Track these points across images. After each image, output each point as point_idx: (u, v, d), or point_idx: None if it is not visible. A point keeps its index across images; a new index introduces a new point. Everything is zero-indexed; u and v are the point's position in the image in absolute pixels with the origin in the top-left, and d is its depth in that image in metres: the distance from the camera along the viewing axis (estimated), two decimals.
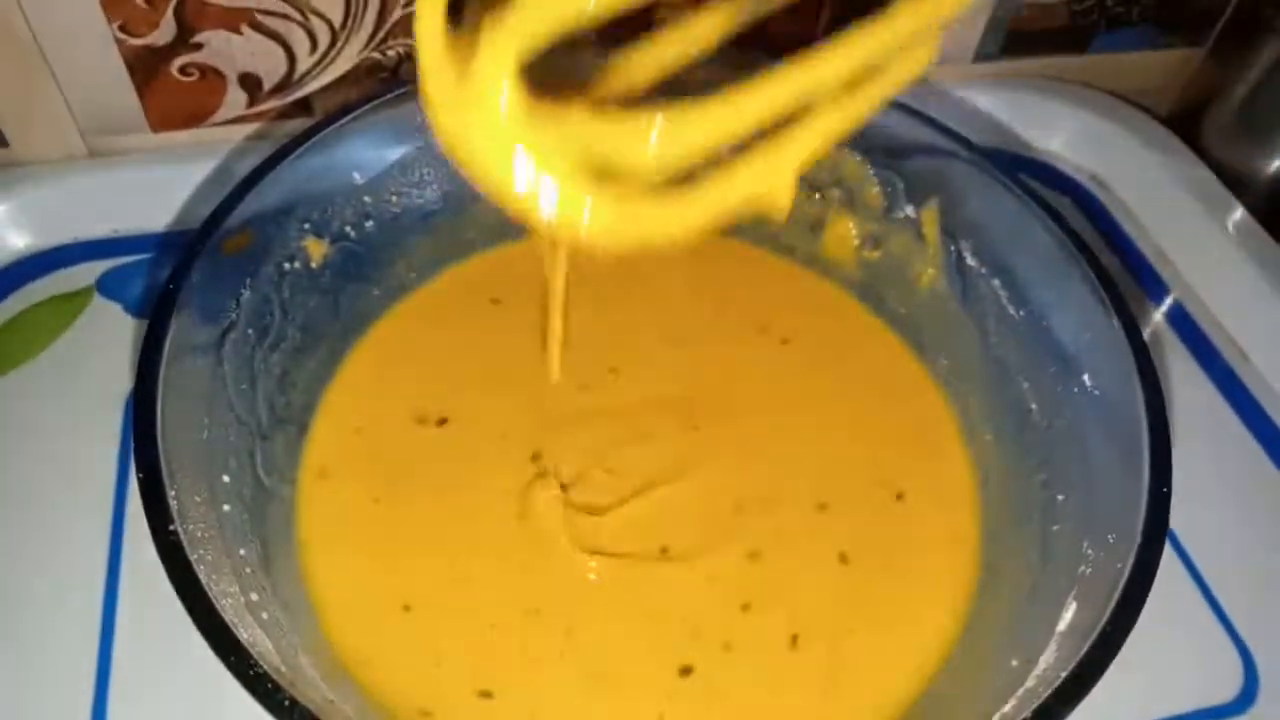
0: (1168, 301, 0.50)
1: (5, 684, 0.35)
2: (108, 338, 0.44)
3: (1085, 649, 0.27)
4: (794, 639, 0.35)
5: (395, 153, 0.42)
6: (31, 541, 0.38)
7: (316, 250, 0.41)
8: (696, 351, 0.43)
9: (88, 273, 0.47)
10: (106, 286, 0.46)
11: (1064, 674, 0.27)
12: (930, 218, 0.42)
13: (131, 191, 0.48)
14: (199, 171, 0.49)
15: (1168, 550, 0.41)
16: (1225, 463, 0.44)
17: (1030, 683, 0.29)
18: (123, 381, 0.42)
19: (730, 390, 0.42)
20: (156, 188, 0.48)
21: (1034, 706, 0.26)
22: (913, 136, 0.41)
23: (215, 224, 0.35)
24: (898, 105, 0.41)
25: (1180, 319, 0.49)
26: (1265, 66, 0.51)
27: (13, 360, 0.43)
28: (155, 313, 0.33)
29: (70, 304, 0.45)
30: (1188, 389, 0.46)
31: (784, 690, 0.34)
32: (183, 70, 0.48)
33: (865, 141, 0.43)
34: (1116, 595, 0.28)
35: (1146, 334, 0.48)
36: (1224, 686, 0.38)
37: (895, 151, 0.42)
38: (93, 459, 0.40)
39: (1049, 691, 0.27)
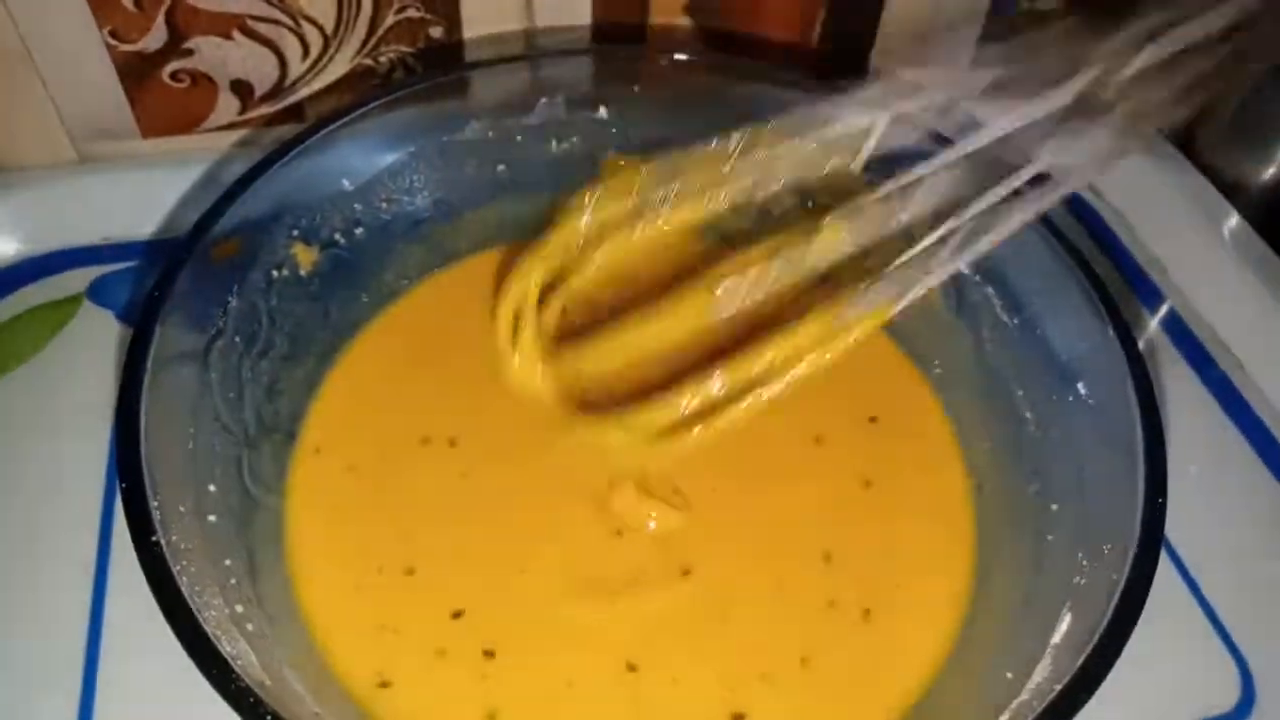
0: (1163, 309, 0.50)
1: None
2: (97, 345, 0.44)
3: (1080, 661, 0.27)
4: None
5: (386, 159, 0.42)
6: (18, 549, 0.38)
7: (306, 257, 0.40)
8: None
9: (78, 279, 0.46)
10: (97, 293, 0.46)
11: (1059, 687, 0.27)
12: (922, 225, 0.42)
13: (122, 198, 0.48)
14: (190, 178, 0.48)
15: (1163, 559, 0.40)
16: (1221, 471, 0.44)
17: (1024, 695, 0.29)
18: (112, 388, 0.41)
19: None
20: (147, 194, 0.48)
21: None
22: (904, 143, 0.41)
23: (202, 231, 0.35)
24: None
25: (1175, 327, 0.49)
26: (1259, 73, 0.51)
27: (2, 367, 0.43)
28: (140, 321, 0.32)
29: (60, 311, 0.45)
30: (1183, 397, 0.46)
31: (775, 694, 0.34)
32: (174, 76, 0.48)
33: (857, 146, 0.42)
34: (1112, 607, 0.28)
35: (1141, 342, 0.48)
36: (1221, 696, 0.37)
37: (887, 158, 0.42)
38: (81, 466, 0.40)
39: (1043, 705, 0.26)
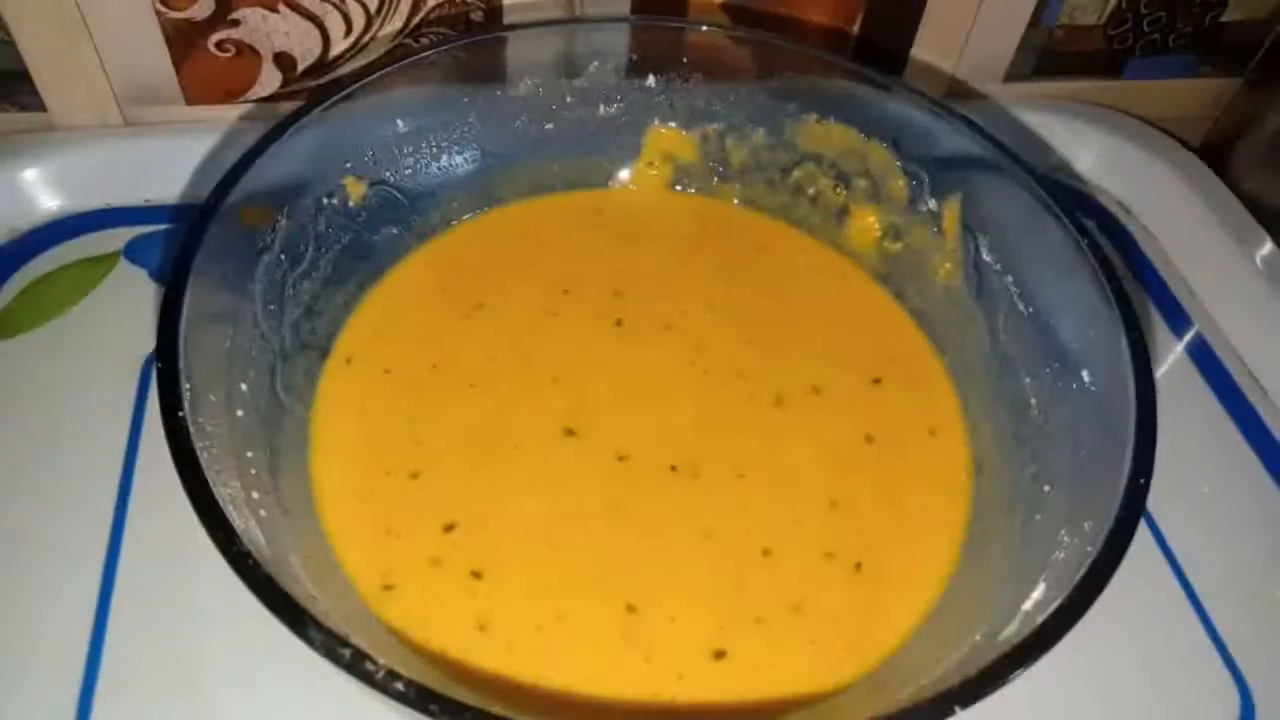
0: (1189, 334, 0.50)
1: (5, 634, 0.35)
2: (131, 302, 0.45)
3: (1040, 621, 0.28)
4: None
5: (440, 107, 0.44)
6: (41, 496, 0.39)
7: (355, 190, 0.42)
8: (711, 321, 0.44)
9: (116, 238, 0.48)
10: (133, 252, 0.47)
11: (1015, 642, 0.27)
12: (951, 212, 0.43)
13: (163, 162, 0.49)
14: (231, 146, 0.49)
15: (1170, 578, 0.41)
16: (1240, 499, 0.44)
17: (990, 655, 0.29)
18: (142, 344, 0.43)
19: (740, 359, 0.43)
20: (188, 160, 0.49)
21: (977, 669, 0.27)
22: (941, 131, 0.42)
23: (263, 148, 0.37)
24: (930, 101, 0.42)
25: (1202, 352, 0.49)
26: None
27: (39, 319, 0.44)
28: (206, 203, 0.34)
29: (97, 267, 0.46)
30: (1206, 423, 0.46)
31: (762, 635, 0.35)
32: (219, 46, 0.49)
33: (894, 132, 0.44)
34: (1081, 573, 0.29)
35: (1166, 365, 0.48)
36: (1221, 717, 0.37)
37: (923, 144, 0.43)
38: (107, 417, 0.41)
39: (995, 656, 0.27)
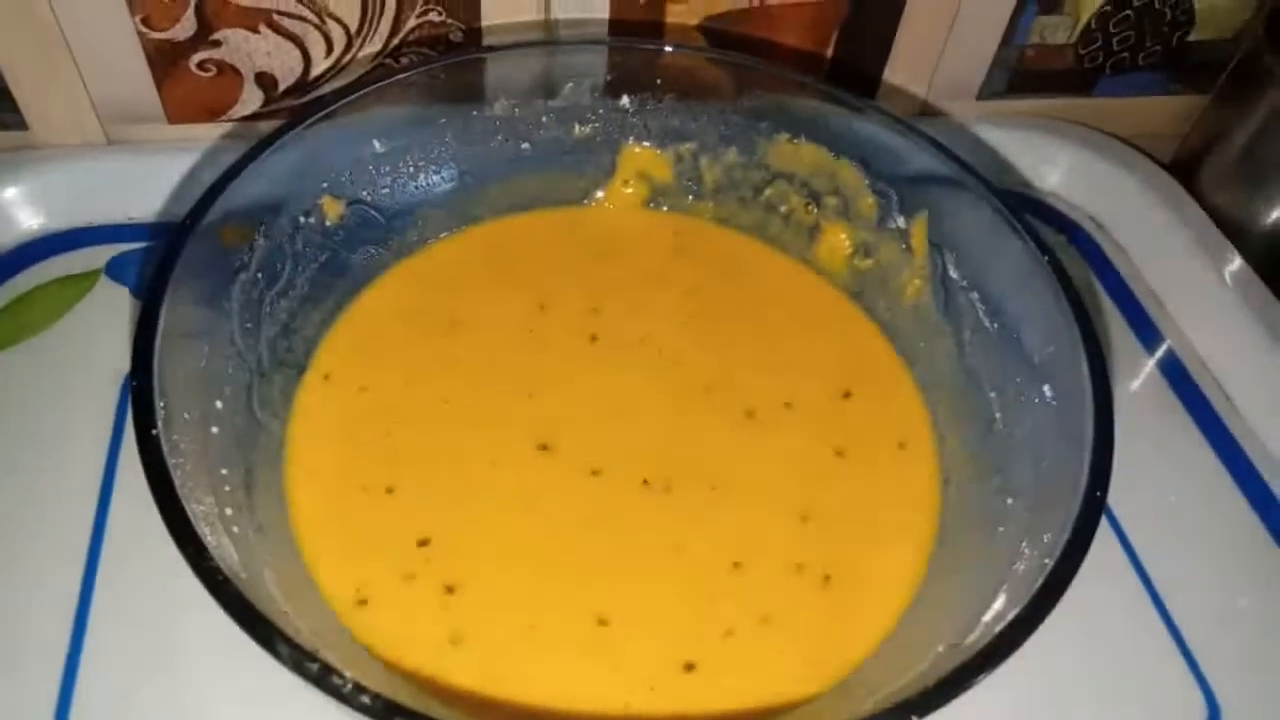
0: (1160, 349, 0.50)
1: None
2: (111, 319, 0.45)
3: (996, 631, 0.28)
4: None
5: (417, 127, 0.45)
6: (20, 506, 0.39)
7: (333, 209, 0.43)
8: (685, 336, 0.45)
9: (98, 256, 0.48)
10: (114, 270, 0.48)
11: (973, 653, 0.28)
12: (919, 229, 0.44)
13: (145, 180, 0.50)
14: (212, 165, 0.50)
15: (1138, 588, 0.41)
16: (1208, 511, 0.44)
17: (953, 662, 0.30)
18: (123, 361, 0.42)
19: (713, 374, 0.43)
20: (170, 178, 0.50)
21: (936, 679, 0.27)
22: (908, 150, 0.43)
23: (239, 169, 0.38)
24: (897, 121, 0.43)
25: (1171, 366, 0.49)
26: (1266, 115, 0.52)
27: (20, 335, 0.44)
28: (185, 219, 0.35)
29: (78, 285, 0.47)
30: (1175, 436, 0.46)
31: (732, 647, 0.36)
32: (201, 66, 0.49)
33: (864, 152, 0.45)
34: (1038, 585, 0.29)
35: (1136, 380, 0.49)
36: None
37: (891, 163, 0.44)
38: (86, 433, 0.41)
39: (953, 666, 0.27)
